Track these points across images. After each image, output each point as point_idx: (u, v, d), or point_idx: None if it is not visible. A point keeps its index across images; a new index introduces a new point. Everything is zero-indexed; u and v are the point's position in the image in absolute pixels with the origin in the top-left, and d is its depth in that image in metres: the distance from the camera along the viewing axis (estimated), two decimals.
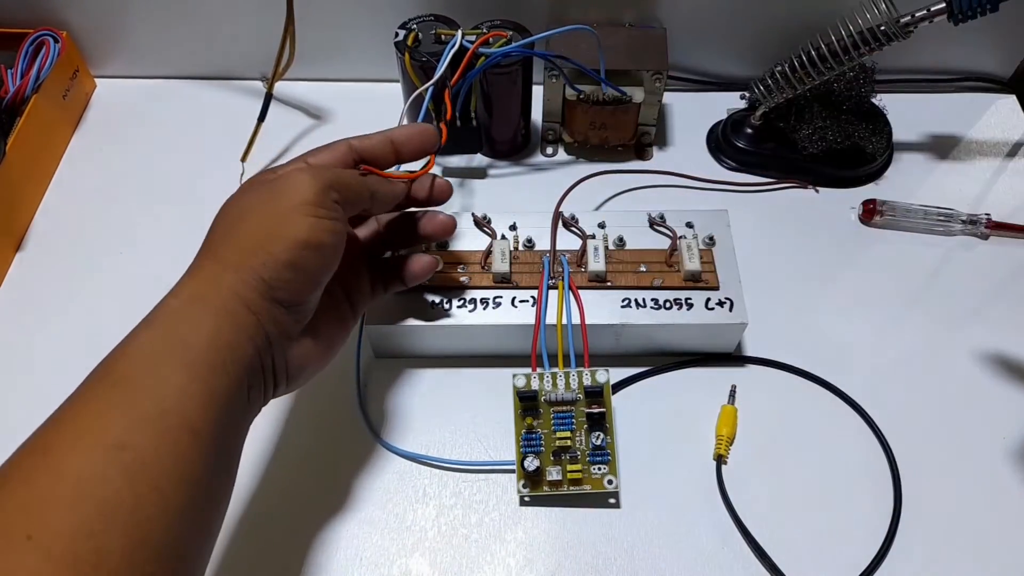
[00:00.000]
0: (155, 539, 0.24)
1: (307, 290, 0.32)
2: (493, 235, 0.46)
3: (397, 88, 0.55)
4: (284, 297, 0.31)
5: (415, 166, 0.39)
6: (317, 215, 0.32)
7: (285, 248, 0.31)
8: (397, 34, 0.50)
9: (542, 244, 0.46)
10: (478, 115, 0.54)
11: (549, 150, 0.58)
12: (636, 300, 0.44)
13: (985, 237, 0.52)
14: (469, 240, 0.46)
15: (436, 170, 0.51)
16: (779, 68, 0.52)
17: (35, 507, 0.23)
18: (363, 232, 0.41)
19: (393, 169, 0.38)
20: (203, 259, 0.32)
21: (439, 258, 0.42)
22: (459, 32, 0.48)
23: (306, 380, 0.35)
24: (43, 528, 0.22)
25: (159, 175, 0.57)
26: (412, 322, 0.43)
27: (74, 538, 0.23)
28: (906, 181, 0.56)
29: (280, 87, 0.56)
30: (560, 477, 0.40)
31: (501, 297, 0.44)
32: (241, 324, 0.30)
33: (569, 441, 0.40)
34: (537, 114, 0.57)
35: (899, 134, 0.57)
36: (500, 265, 0.44)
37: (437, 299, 0.44)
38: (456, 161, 0.57)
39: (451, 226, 0.41)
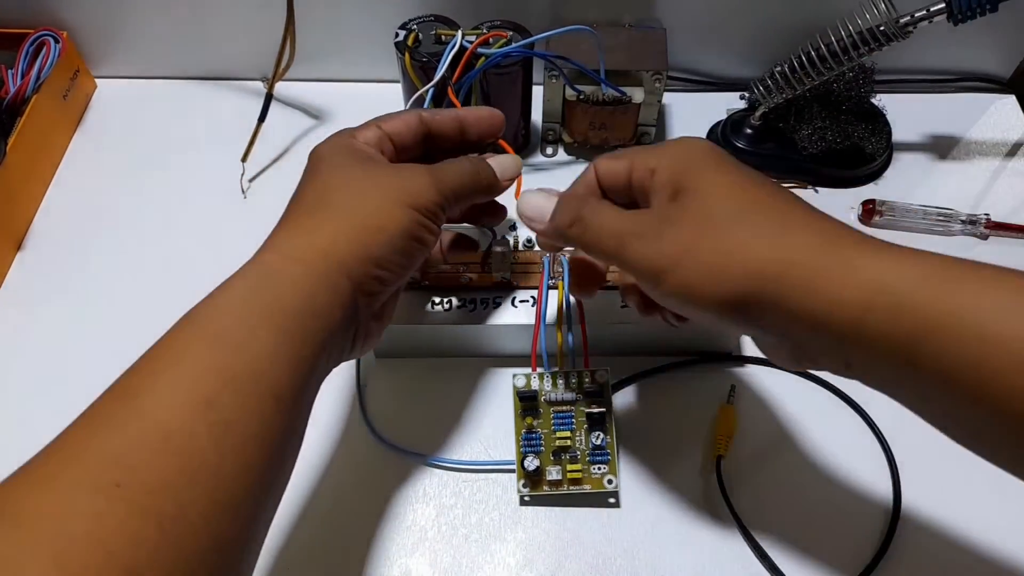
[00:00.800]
0: (234, 499, 0.25)
1: (405, 275, 0.33)
2: (494, 235, 0.46)
3: (397, 88, 0.55)
4: (386, 277, 0.32)
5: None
6: (429, 217, 0.33)
7: (399, 235, 0.32)
8: (397, 34, 0.50)
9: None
10: None
11: (549, 150, 0.58)
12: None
13: (984, 237, 0.52)
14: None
15: None
16: (779, 68, 0.52)
17: (124, 455, 0.23)
18: None
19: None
20: (303, 216, 0.32)
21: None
22: (459, 32, 0.48)
23: (369, 350, 0.36)
24: (131, 477, 0.22)
25: (159, 175, 0.57)
26: (412, 322, 0.43)
27: (160, 491, 0.23)
28: (905, 181, 0.56)
29: (280, 87, 0.56)
30: (560, 477, 0.40)
31: (501, 297, 0.44)
32: (337, 292, 0.30)
33: (569, 441, 0.40)
34: (537, 114, 0.57)
35: (899, 134, 0.57)
36: (500, 265, 0.44)
37: (437, 299, 0.44)
38: None
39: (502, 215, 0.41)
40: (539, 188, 0.36)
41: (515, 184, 0.39)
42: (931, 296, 0.25)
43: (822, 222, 0.29)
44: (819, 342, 0.28)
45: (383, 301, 0.34)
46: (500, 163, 0.37)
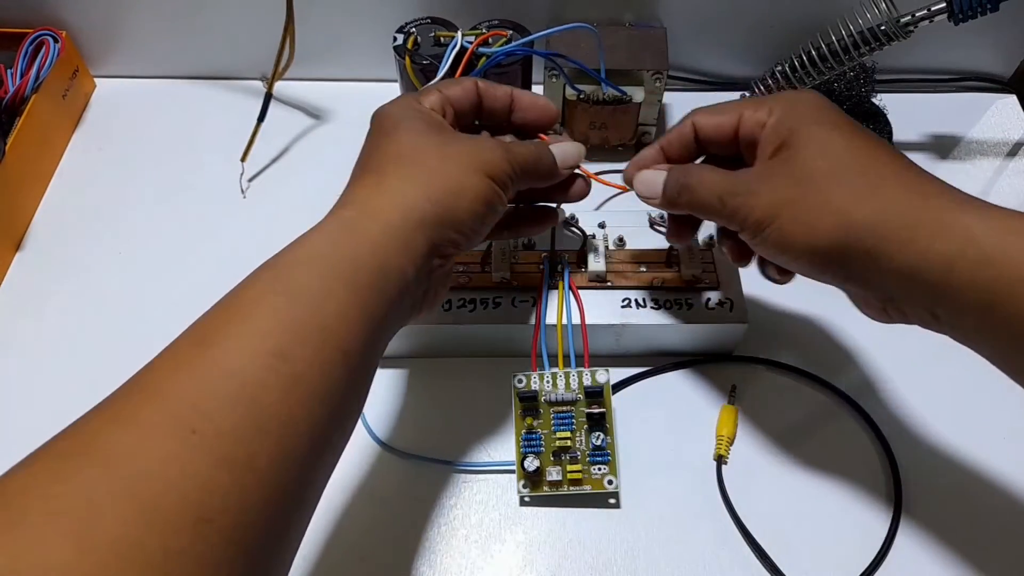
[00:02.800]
0: (300, 452, 0.25)
1: (476, 240, 0.34)
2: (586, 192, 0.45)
3: (397, 88, 0.55)
4: (460, 240, 0.33)
5: None
6: (501, 187, 0.33)
7: (478, 200, 0.32)
8: (396, 38, 0.50)
9: (542, 244, 0.46)
10: None
11: None
12: (636, 300, 0.44)
13: None
14: None
15: None
16: (779, 68, 0.52)
17: (200, 401, 0.23)
18: None
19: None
20: (382, 174, 0.32)
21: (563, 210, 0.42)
22: (459, 33, 0.48)
23: (434, 311, 0.37)
24: (207, 424, 0.23)
25: (159, 175, 0.57)
26: (412, 322, 0.43)
27: (232, 438, 0.23)
28: None
29: (280, 87, 0.56)
30: (560, 477, 0.40)
31: (501, 297, 0.44)
32: (413, 250, 0.30)
33: (569, 441, 0.40)
34: None
35: (899, 134, 0.57)
36: (500, 265, 0.44)
37: None
38: None
39: (586, 191, 0.40)
40: (649, 167, 0.38)
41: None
42: (1015, 251, 0.27)
43: (918, 178, 0.31)
44: (909, 294, 0.30)
45: (452, 264, 0.35)
46: (562, 150, 0.37)
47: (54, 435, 0.23)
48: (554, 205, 0.41)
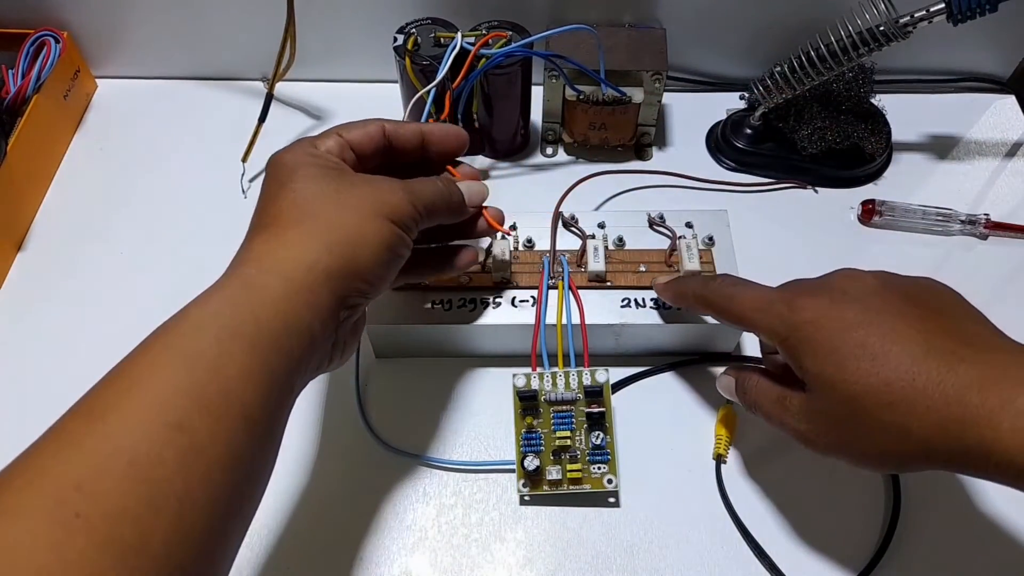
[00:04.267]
0: (199, 526, 0.24)
1: (383, 287, 0.33)
2: (493, 235, 0.46)
3: (397, 88, 0.55)
4: (367, 290, 0.32)
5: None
6: (405, 230, 0.33)
7: (381, 247, 0.32)
8: (396, 39, 0.50)
9: (542, 244, 0.46)
10: (479, 116, 0.54)
11: (549, 150, 0.58)
12: (636, 300, 0.44)
13: (984, 237, 0.53)
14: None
15: None
16: (778, 68, 0.52)
17: (87, 481, 0.22)
18: None
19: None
20: (281, 228, 0.31)
21: (480, 250, 0.42)
22: (459, 34, 0.48)
23: (344, 363, 0.35)
24: (93, 506, 0.21)
25: (159, 175, 0.57)
26: (412, 322, 0.44)
27: (122, 521, 0.22)
28: (905, 181, 0.56)
29: (280, 87, 0.56)
30: (560, 476, 0.40)
31: (501, 297, 0.44)
32: (319, 306, 0.29)
33: (569, 440, 0.40)
34: (537, 114, 0.57)
35: (898, 134, 0.57)
36: (500, 265, 0.44)
37: (437, 299, 0.44)
38: None
39: (474, 260, 0.41)
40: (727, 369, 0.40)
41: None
42: None
43: (946, 393, 0.29)
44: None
45: (360, 314, 0.34)
46: (469, 188, 0.37)
47: None
48: (469, 243, 0.41)
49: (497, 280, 0.44)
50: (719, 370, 0.46)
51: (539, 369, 0.41)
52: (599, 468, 0.40)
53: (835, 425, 0.32)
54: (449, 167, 0.39)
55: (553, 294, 0.44)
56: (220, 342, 0.26)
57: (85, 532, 0.21)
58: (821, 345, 0.32)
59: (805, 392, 0.33)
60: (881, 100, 0.56)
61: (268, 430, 0.27)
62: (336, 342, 0.32)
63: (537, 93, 0.55)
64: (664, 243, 0.46)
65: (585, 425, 0.40)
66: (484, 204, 0.40)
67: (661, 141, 0.58)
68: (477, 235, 0.40)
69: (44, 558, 0.20)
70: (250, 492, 0.27)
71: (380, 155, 0.36)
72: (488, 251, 0.45)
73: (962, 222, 0.52)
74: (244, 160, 0.55)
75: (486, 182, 0.40)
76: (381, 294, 0.34)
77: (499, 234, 0.46)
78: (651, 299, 0.44)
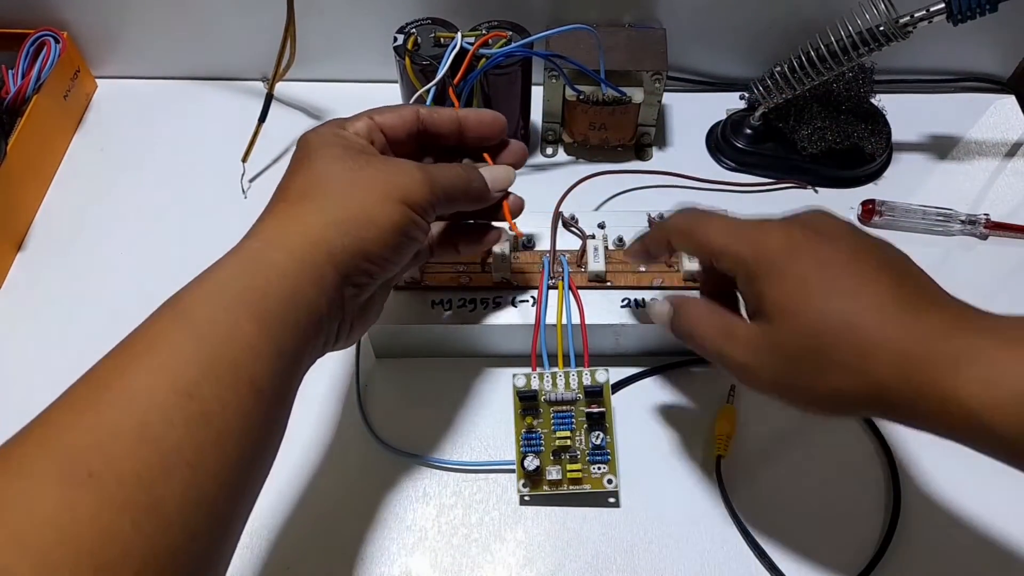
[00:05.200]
0: (210, 493, 0.24)
1: (393, 269, 0.33)
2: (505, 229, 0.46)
3: (397, 88, 0.55)
4: (374, 270, 0.32)
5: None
6: (420, 214, 0.32)
7: (390, 229, 0.31)
8: (396, 39, 0.50)
9: (542, 244, 0.46)
10: None
11: (549, 150, 0.58)
12: (636, 300, 0.44)
13: (984, 237, 0.53)
14: None
15: None
16: (778, 68, 0.52)
17: (101, 442, 0.22)
18: None
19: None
20: (291, 204, 0.31)
21: (503, 231, 0.41)
22: (459, 34, 0.48)
23: (354, 342, 0.35)
24: (106, 467, 0.22)
25: (160, 175, 0.57)
26: (412, 322, 0.44)
27: (134, 483, 0.22)
28: (905, 181, 0.56)
29: (280, 87, 0.56)
30: (560, 476, 0.40)
31: (501, 297, 0.44)
32: (324, 282, 0.29)
33: (569, 441, 0.40)
34: (537, 114, 0.57)
35: (898, 134, 0.57)
36: (500, 265, 0.44)
37: (437, 299, 0.44)
38: None
39: (497, 238, 0.40)
40: (665, 296, 0.38)
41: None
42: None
43: (909, 338, 0.29)
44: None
45: (370, 295, 0.34)
46: (492, 173, 0.37)
47: None
48: (493, 224, 0.40)
49: (497, 280, 0.44)
50: (719, 370, 0.46)
51: (539, 369, 0.41)
52: (599, 468, 0.40)
53: (787, 360, 0.31)
54: (485, 155, 0.38)
55: (553, 294, 0.44)
56: (228, 313, 0.27)
57: (97, 492, 0.21)
58: (790, 276, 0.31)
59: (756, 323, 0.32)
60: (881, 100, 0.56)
61: (276, 401, 0.28)
62: (343, 321, 0.32)
63: (537, 93, 0.55)
64: None
65: (585, 425, 0.40)
66: (510, 190, 0.39)
67: (661, 141, 0.58)
68: (502, 219, 0.40)
69: (58, 516, 0.21)
70: (259, 463, 0.27)
71: (414, 140, 0.36)
72: (488, 251, 0.45)
73: (962, 222, 0.52)
74: (244, 160, 0.55)
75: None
76: (394, 272, 0.34)
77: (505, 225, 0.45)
78: (651, 299, 0.44)
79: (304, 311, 0.29)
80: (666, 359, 0.46)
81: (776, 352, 0.31)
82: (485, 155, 0.38)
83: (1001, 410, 0.27)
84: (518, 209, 0.39)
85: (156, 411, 0.23)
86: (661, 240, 0.38)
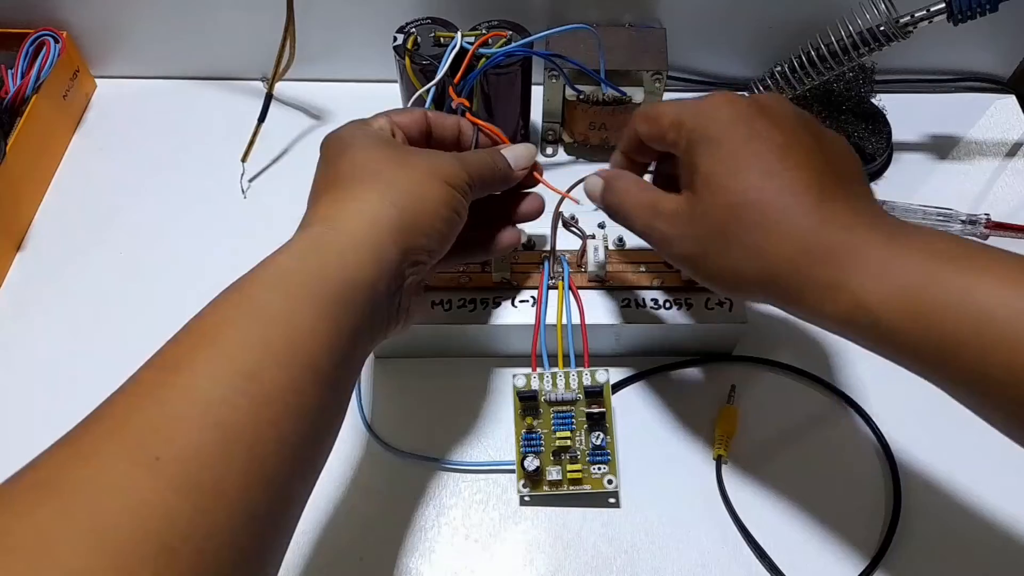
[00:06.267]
0: (270, 475, 0.24)
1: (444, 248, 0.34)
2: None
3: (396, 88, 0.55)
4: (431, 247, 0.33)
5: None
6: (461, 194, 0.34)
7: (442, 204, 0.33)
8: (396, 38, 0.50)
9: (542, 244, 0.46)
10: (478, 116, 0.54)
11: (549, 150, 0.58)
12: (636, 300, 0.44)
13: (984, 237, 0.52)
14: None
15: None
16: (779, 68, 0.52)
17: (165, 427, 0.23)
18: None
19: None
20: (342, 190, 0.32)
21: (523, 233, 0.43)
22: (459, 34, 0.48)
23: (409, 327, 0.36)
24: (170, 451, 0.22)
25: (160, 175, 0.57)
26: (412, 322, 0.43)
27: (198, 465, 0.23)
28: (905, 181, 0.56)
29: (280, 87, 0.56)
30: (560, 477, 0.40)
31: (501, 297, 0.44)
32: (384, 259, 0.30)
33: (569, 441, 0.40)
34: (537, 114, 0.57)
35: (898, 134, 0.57)
36: (500, 265, 0.44)
37: (437, 299, 0.44)
38: None
39: (540, 207, 0.42)
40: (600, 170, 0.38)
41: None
42: (903, 310, 0.27)
43: (811, 225, 0.29)
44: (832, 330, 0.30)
45: (424, 275, 0.34)
46: (513, 152, 0.39)
47: (19, 470, 0.22)
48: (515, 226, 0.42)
49: (497, 280, 0.44)
50: (719, 370, 0.46)
51: (539, 369, 0.41)
52: (599, 468, 0.40)
53: (703, 233, 0.31)
54: (503, 138, 0.41)
55: (553, 294, 0.44)
56: (288, 298, 0.27)
57: (164, 475, 0.22)
58: (722, 147, 0.31)
59: (683, 195, 0.33)
60: (881, 100, 0.56)
61: (334, 383, 0.28)
62: (401, 303, 0.33)
63: (537, 93, 0.55)
64: None
65: (585, 425, 0.40)
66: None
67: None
68: (520, 219, 0.41)
69: (125, 500, 0.21)
70: (319, 445, 0.28)
71: (423, 141, 0.38)
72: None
73: (962, 222, 0.52)
74: (244, 160, 0.55)
75: None
76: (441, 256, 0.34)
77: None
78: (651, 299, 0.44)
79: (364, 292, 0.29)
80: (666, 359, 0.46)
81: (694, 224, 0.32)
82: (503, 138, 0.40)
83: (887, 303, 0.27)
84: (536, 208, 0.41)
85: (219, 394, 0.24)
86: (631, 137, 0.37)
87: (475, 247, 0.40)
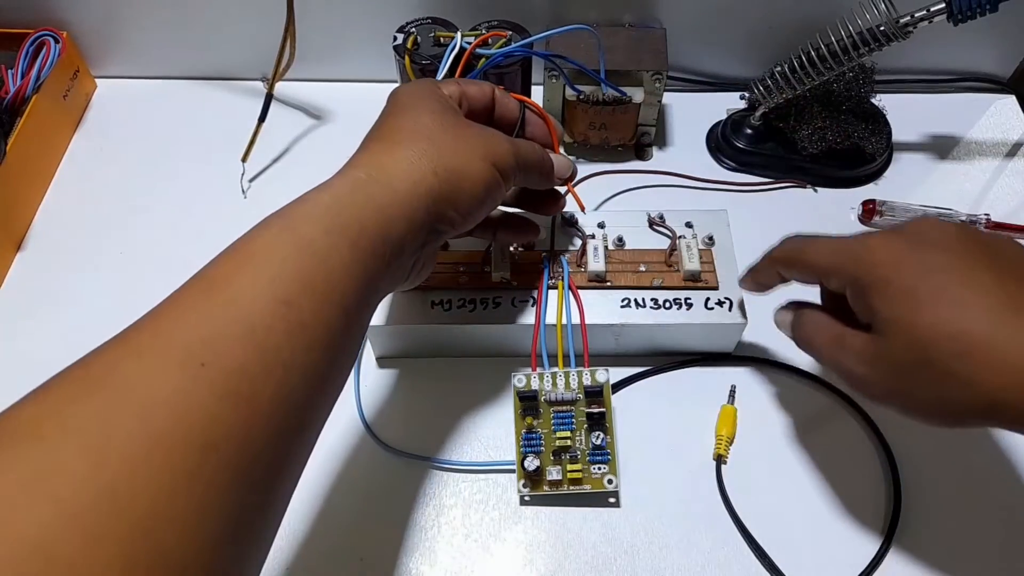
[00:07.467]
0: (298, 394, 0.26)
1: (470, 224, 0.35)
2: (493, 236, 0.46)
3: None
4: (457, 221, 0.34)
5: None
6: (504, 177, 0.35)
7: (481, 184, 0.34)
8: (396, 38, 0.50)
9: (542, 244, 0.46)
10: None
11: None
12: (636, 300, 0.44)
13: None
14: (469, 240, 0.46)
15: None
16: (779, 68, 0.52)
17: (210, 339, 0.24)
18: None
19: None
20: (396, 144, 0.33)
21: (543, 227, 0.44)
22: (459, 33, 0.48)
23: (415, 285, 0.39)
24: (215, 360, 0.24)
25: (159, 175, 0.57)
26: (412, 322, 0.43)
27: (238, 376, 0.24)
28: (906, 181, 0.56)
29: (280, 87, 0.56)
30: (560, 477, 0.40)
31: (501, 297, 0.44)
32: (414, 221, 0.31)
33: (569, 441, 0.40)
34: None
35: (899, 134, 0.57)
36: (500, 265, 0.44)
37: (437, 299, 0.44)
38: None
39: (562, 207, 0.43)
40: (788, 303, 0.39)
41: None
42: None
43: (1017, 342, 0.28)
44: None
45: (440, 244, 0.36)
46: (559, 161, 0.40)
47: (67, 366, 0.24)
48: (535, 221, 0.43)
49: (497, 280, 0.44)
50: (719, 370, 0.46)
51: (539, 369, 0.41)
52: (599, 468, 0.40)
53: (898, 371, 0.31)
54: (554, 136, 0.41)
55: (553, 294, 0.44)
56: (328, 234, 0.28)
57: (208, 381, 0.23)
58: (897, 287, 0.31)
59: (869, 335, 0.32)
60: (881, 100, 0.56)
61: (357, 323, 0.30)
62: (417, 262, 0.35)
63: (537, 93, 0.55)
64: (664, 243, 0.46)
65: (585, 425, 0.40)
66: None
67: (661, 141, 0.58)
68: (545, 212, 0.43)
69: (174, 398, 0.23)
70: (336, 379, 0.29)
71: (485, 116, 0.39)
72: (489, 251, 0.45)
73: (962, 222, 0.52)
74: (244, 160, 0.55)
75: None
76: (465, 230, 0.35)
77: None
78: (651, 299, 0.44)
79: (393, 246, 0.31)
80: (666, 359, 0.46)
81: (889, 364, 0.31)
82: (555, 140, 0.41)
83: None
84: (558, 208, 0.43)
85: (259, 316, 0.25)
86: (770, 271, 0.39)
87: (500, 228, 0.42)
